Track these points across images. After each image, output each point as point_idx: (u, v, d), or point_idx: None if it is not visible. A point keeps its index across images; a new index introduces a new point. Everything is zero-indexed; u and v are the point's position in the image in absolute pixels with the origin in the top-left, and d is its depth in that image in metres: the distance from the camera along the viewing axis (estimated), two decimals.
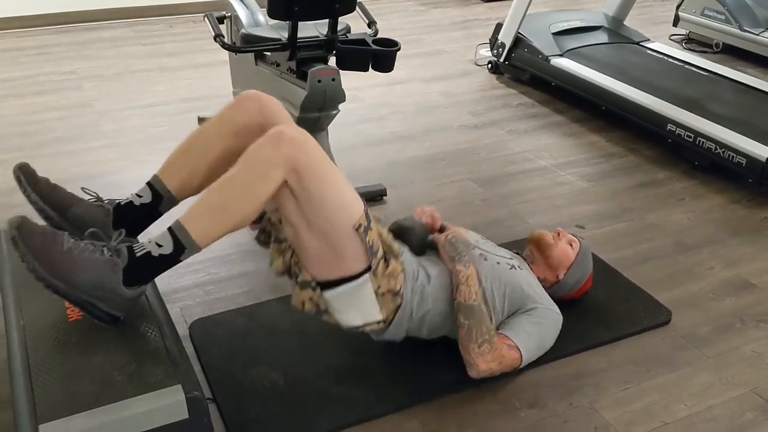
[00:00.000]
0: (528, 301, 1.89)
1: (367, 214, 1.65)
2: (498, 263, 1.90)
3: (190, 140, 1.79)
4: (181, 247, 1.51)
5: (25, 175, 1.67)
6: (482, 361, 1.76)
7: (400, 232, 1.89)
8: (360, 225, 1.62)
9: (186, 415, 1.41)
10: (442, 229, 1.93)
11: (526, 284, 1.91)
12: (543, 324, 1.88)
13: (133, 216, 1.71)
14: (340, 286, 1.67)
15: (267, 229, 1.80)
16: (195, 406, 1.42)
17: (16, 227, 1.43)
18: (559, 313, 1.94)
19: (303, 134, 1.57)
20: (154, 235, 1.54)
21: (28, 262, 1.44)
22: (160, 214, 1.76)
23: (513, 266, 1.93)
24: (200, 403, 1.43)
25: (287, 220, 1.63)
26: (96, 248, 1.50)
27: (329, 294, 1.68)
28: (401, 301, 1.74)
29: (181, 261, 1.53)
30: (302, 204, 1.57)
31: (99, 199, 1.72)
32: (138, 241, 1.60)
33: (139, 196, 1.74)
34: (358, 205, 1.64)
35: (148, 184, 1.75)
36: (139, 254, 1.51)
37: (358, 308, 1.69)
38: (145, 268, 1.53)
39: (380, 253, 1.69)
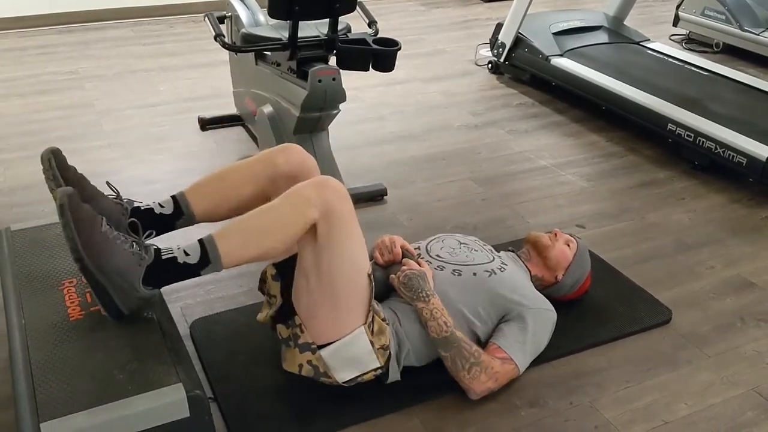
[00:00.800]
0: (513, 305, 1.86)
1: (370, 273, 1.72)
2: (474, 274, 1.88)
3: (226, 171, 1.83)
4: (206, 260, 1.54)
5: (57, 160, 1.68)
6: (477, 384, 1.76)
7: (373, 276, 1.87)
8: (371, 273, 1.71)
9: (187, 414, 1.42)
10: (405, 256, 1.90)
11: (508, 289, 1.87)
12: (534, 327, 1.84)
13: (148, 222, 1.71)
14: (335, 343, 1.69)
15: (264, 279, 1.83)
16: (196, 405, 1.42)
17: (67, 195, 1.46)
18: (552, 309, 1.92)
19: (344, 188, 1.65)
20: (182, 244, 1.57)
21: (68, 232, 1.46)
22: (173, 229, 1.78)
23: (492, 271, 1.89)
24: (201, 401, 1.43)
25: (301, 266, 1.67)
26: (127, 240, 1.53)
27: (325, 352, 1.69)
28: (390, 353, 1.76)
29: (200, 275, 1.56)
30: (322, 252, 1.62)
31: (119, 197, 1.74)
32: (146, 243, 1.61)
33: (161, 206, 1.76)
34: (368, 260, 1.72)
35: (173, 197, 1.77)
36: (165, 257, 1.54)
37: (354, 361, 1.71)
38: (166, 272, 1.55)
39: (372, 308, 1.72)
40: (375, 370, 1.74)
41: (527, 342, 1.83)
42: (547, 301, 1.94)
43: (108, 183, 1.75)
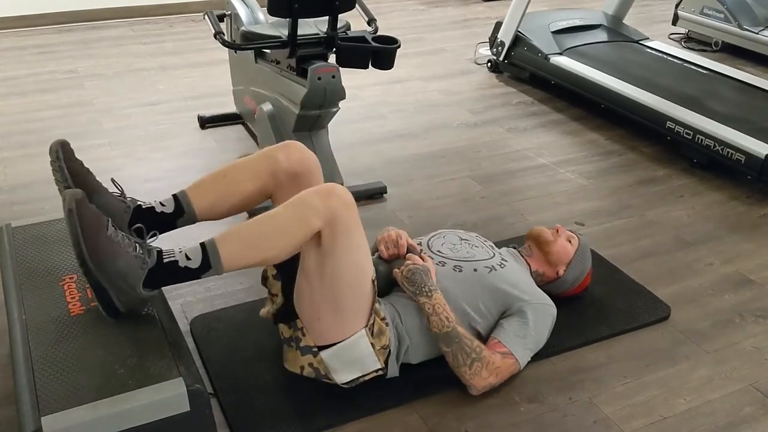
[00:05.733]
0: (514, 300, 1.87)
1: (374, 280, 1.72)
2: (475, 270, 1.89)
3: (227, 168, 1.83)
4: (207, 265, 1.54)
5: (64, 152, 1.68)
6: (478, 380, 1.77)
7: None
8: (374, 278, 1.71)
9: (187, 408, 1.42)
10: (409, 251, 1.91)
11: (508, 285, 1.88)
12: (534, 322, 1.86)
13: (149, 221, 1.72)
14: (336, 345, 1.70)
15: (266, 277, 1.85)
16: (196, 399, 1.43)
17: (76, 200, 1.45)
18: (552, 304, 1.93)
19: (350, 196, 1.64)
20: (185, 247, 1.57)
21: (75, 237, 1.46)
22: (175, 227, 1.77)
23: (492, 267, 1.90)
24: (201, 395, 1.44)
25: (303, 270, 1.67)
26: (130, 242, 1.53)
27: (326, 354, 1.70)
28: (390, 350, 1.77)
29: (200, 278, 1.56)
30: (325, 258, 1.62)
31: (123, 194, 1.74)
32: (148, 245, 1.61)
33: (162, 205, 1.76)
34: (371, 267, 1.73)
35: (174, 196, 1.77)
36: (166, 260, 1.54)
37: (356, 363, 1.72)
38: (167, 275, 1.55)
39: (374, 310, 1.73)
40: (376, 371, 1.74)
41: (528, 337, 1.84)
42: (547, 296, 1.95)
43: (113, 180, 1.75)
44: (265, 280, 1.85)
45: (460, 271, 1.88)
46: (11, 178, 2.83)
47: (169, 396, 1.41)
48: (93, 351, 1.50)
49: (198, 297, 2.17)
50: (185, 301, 2.14)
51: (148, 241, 1.58)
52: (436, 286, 1.80)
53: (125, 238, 1.53)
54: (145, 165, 3.00)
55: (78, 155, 1.70)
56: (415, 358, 1.85)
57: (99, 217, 1.50)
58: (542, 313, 1.90)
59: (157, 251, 1.56)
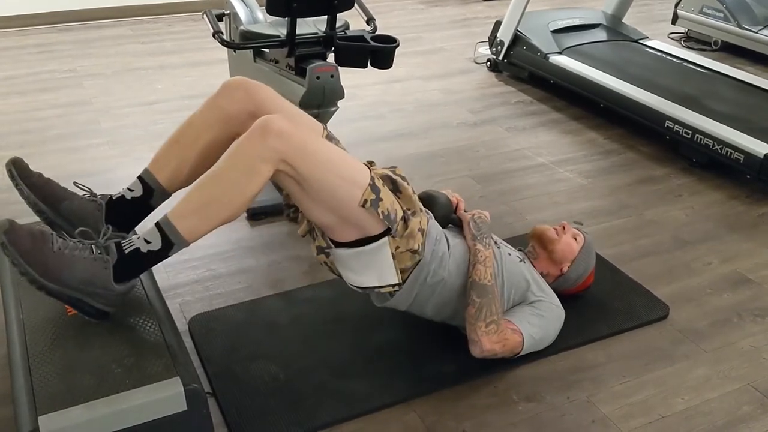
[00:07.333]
0: (532, 294, 1.91)
1: (372, 186, 1.61)
2: (509, 254, 1.94)
3: (179, 131, 1.78)
4: (169, 243, 1.52)
5: (17, 169, 1.67)
6: (487, 341, 1.76)
7: (427, 200, 1.91)
8: (366, 201, 1.59)
9: (185, 407, 1.42)
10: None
11: (531, 277, 1.94)
12: (546, 317, 1.89)
13: (125, 210, 1.71)
14: (357, 246, 1.66)
15: (291, 203, 1.77)
16: (194, 398, 1.43)
17: (4, 232, 1.43)
18: (562, 308, 1.95)
19: (287, 124, 1.53)
20: (142, 231, 1.54)
21: (19, 266, 1.43)
22: (153, 208, 1.75)
23: (520, 259, 1.96)
24: (199, 395, 1.44)
25: (294, 198, 1.64)
26: (85, 246, 1.50)
27: (346, 253, 1.67)
28: (420, 259, 1.72)
29: (169, 256, 1.54)
30: (304, 188, 1.57)
31: (92, 194, 1.72)
32: (126, 236, 1.60)
33: (131, 190, 1.73)
34: (362, 179, 1.60)
35: (139, 177, 1.75)
36: (127, 251, 1.52)
37: (375, 270, 1.68)
38: (134, 264, 1.53)
39: (399, 215, 1.66)
40: (393, 285, 1.71)
41: (537, 326, 1.86)
42: (558, 300, 1.97)
43: (75, 183, 1.73)
44: (292, 207, 1.79)
45: (499, 248, 1.92)
46: (7, 177, 2.82)
47: (167, 396, 1.41)
48: (90, 351, 1.50)
49: (196, 296, 2.17)
50: (183, 301, 2.14)
51: (105, 236, 1.54)
52: (494, 245, 1.85)
53: (78, 244, 1.50)
54: (144, 164, 2.97)
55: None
56: (433, 309, 1.83)
57: (38, 237, 1.47)
58: (555, 314, 1.93)
59: (116, 244, 1.52)
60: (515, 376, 1.86)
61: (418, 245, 1.70)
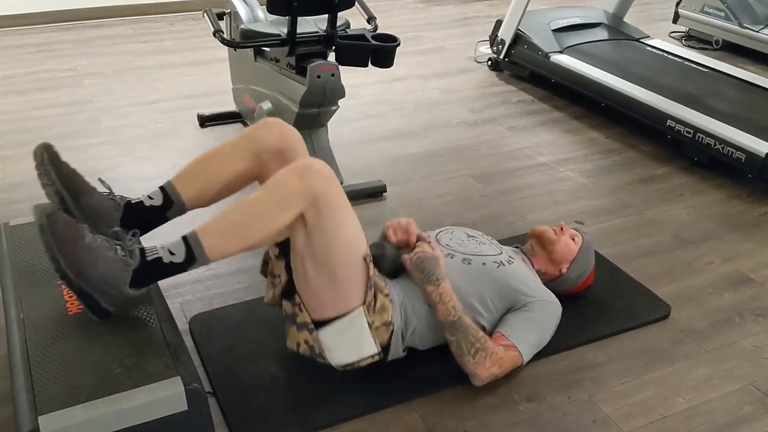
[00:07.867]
0: (520, 296, 1.87)
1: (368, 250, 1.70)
2: (484, 264, 1.89)
3: (209, 154, 1.81)
4: (192, 258, 1.54)
5: (50, 155, 1.67)
6: (482, 370, 1.76)
7: (375, 257, 1.84)
8: (367, 255, 1.68)
9: (185, 407, 1.42)
10: (419, 239, 1.89)
11: (516, 281, 1.89)
12: (539, 318, 1.87)
13: (140, 216, 1.71)
14: (333, 322, 1.68)
15: (267, 261, 1.82)
16: (194, 398, 1.42)
17: (46, 215, 1.45)
18: (557, 303, 1.93)
19: (329, 170, 1.61)
20: (167, 242, 1.56)
21: (51, 251, 1.46)
22: (167, 220, 1.77)
23: (500, 263, 1.90)
24: (199, 394, 1.43)
25: (295, 249, 1.66)
26: (111, 246, 1.52)
27: (323, 332, 1.69)
28: (393, 328, 1.76)
29: (187, 271, 1.55)
30: (313, 236, 1.60)
31: (112, 193, 1.73)
32: (140, 242, 1.61)
33: (150, 198, 1.75)
34: (363, 241, 1.69)
35: (161, 188, 1.76)
36: (150, 258, 1.53)
37: (351, 343, 1.70)
38: (153, 273, 1.55)
39: (373, 287, 1.71)
40: (372, 356, 1.72)
41: (532, 331, 1.85)
42: (553, 294, 1.95)
43: (100, 179, 1.74)
44: (265, 265, 1.83)
45: (469, 264, 1.88)
46: (10, 176, 2.82)
47: (167, 395, 1.40)
48: (90, 350, 1.50)
49: (197, 296, 2.16)
50: (184, 300, 2.14)
51: (132, 240, 1.56)
52: (445, 276, 1.79)
53: (105, 242, 1.51)
54: (145, 164, 2.99)
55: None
56: (422, 344, 1.84)
57: (74, 227, 1.49)
58: (548, 310, 1.90)
59: (140, 249, 1.54)
60: (516, 376, 1.86)
61: (390, 316, 1.73)
